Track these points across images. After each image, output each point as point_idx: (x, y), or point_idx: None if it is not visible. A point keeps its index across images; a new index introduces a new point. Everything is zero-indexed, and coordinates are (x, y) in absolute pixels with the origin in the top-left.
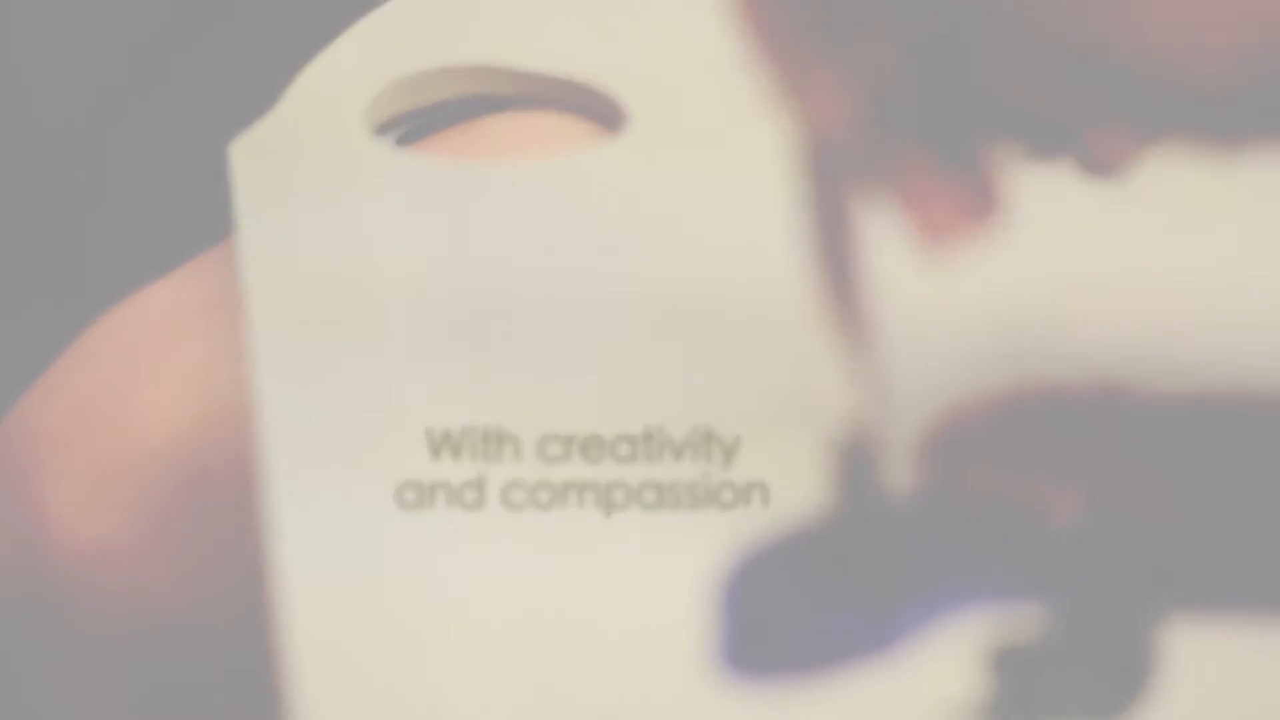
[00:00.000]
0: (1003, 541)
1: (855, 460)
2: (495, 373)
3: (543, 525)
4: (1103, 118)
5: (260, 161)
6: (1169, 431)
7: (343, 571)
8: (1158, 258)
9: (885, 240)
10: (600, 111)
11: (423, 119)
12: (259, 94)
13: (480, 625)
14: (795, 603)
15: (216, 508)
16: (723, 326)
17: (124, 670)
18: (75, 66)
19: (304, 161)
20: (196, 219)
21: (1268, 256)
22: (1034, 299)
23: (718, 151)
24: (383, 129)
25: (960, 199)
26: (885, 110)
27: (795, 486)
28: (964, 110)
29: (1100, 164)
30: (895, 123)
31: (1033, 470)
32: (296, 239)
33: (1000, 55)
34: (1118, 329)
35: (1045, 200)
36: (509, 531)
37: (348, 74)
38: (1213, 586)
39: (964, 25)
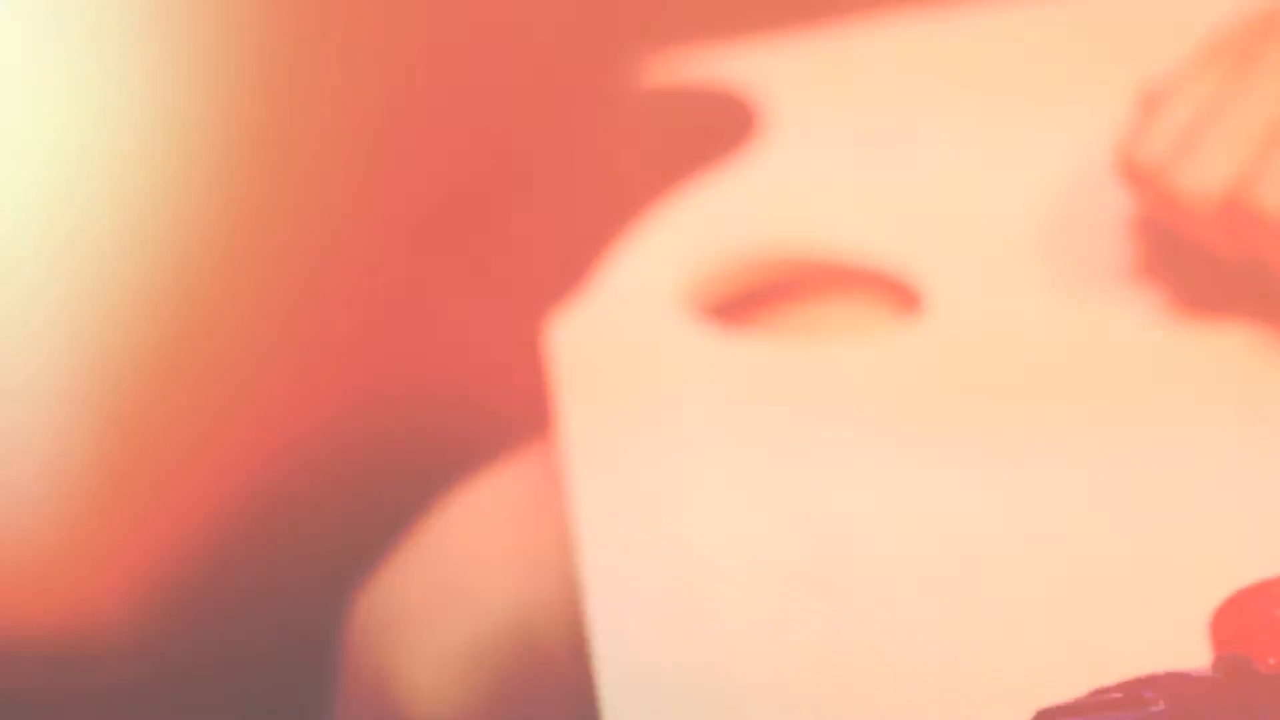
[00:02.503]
0: None
1: None
2: (804, 546)
3: None
4: None
5: (581, 346)
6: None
7: None
8: None
9: None
10: (900, 296)
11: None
12: (568, 272)
13: None
14: None
15: (550, 689)
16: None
17: None
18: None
19: (624, 346)
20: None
21: None
22: None
23: (1021, 342)
24: (695, 312)
25: None
26: None
27: None
28: None
29: None
30: None
31: None
32: (618, 426)
33: None
34: None
35: None
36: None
37: (663, 258)
38: None
39: None
